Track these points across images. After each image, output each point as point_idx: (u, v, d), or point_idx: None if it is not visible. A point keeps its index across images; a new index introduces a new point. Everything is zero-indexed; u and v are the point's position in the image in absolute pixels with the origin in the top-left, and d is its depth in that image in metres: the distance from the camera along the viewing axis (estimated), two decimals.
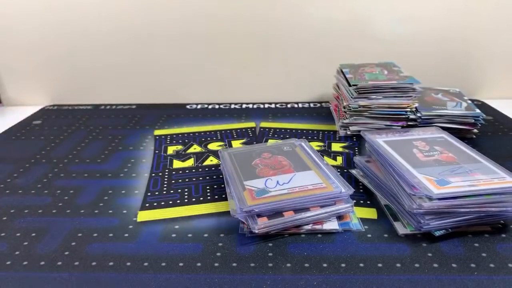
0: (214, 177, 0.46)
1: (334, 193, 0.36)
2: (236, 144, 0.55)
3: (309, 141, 0.54)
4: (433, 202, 0.32)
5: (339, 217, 0.37)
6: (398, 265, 0.31)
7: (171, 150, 0.53)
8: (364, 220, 0.37)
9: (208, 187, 0.43)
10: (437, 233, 0.34)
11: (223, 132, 0.59)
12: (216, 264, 0.32)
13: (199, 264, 0.32)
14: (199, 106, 0.71)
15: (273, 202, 0.35)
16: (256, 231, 0.34)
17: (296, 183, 0.37)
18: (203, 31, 0.70)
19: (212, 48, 0.71)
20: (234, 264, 0.32)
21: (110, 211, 0.39)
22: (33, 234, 0.36)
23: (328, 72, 0.66)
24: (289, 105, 0.71)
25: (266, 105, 0.71)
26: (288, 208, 0.35)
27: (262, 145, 0.49)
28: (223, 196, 0.42)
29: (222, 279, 0.30)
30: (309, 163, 0.41)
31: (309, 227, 0.35)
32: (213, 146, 0.54)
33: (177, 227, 0.37)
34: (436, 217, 0.33)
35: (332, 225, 0.36)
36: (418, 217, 0.33)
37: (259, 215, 0.35)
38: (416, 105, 0.54)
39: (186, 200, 0.41)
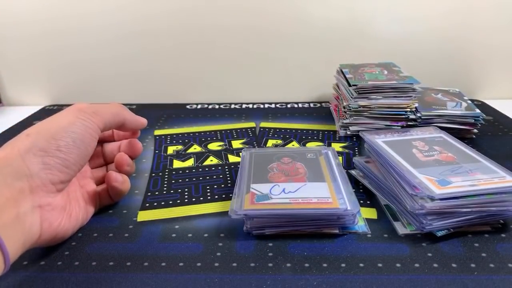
0: (214, 177, 0.46)
1: (337, 210, 0.34)
2: (236, 144, 0.55)
3: (309, 141, 0.55)
4: (435, 203, 0.32)
5: None
6: (398, 265, 0.31)
7: (171, 150, 0.53)
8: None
9: (208, 187, 0.43)
10: (439, 233, 0.34)
11: (223, 132, 0.59)
12: (216, 264, 0.32)
13: (199, 264, 0.32)
14: (199, 106, 0.71)
15: (270, 210, 0.34)
16: (247, 229, 0.35)
17: (302, 194, 0.35)
18: (203, 32, 0.70)
19: (212, 49, 0.71)
20: (234, 264, 0.32)
21: (110, 211, 0.39)
22: None
23: (328, 72, 0.66)
24: (289, 105, 0.71)
25: (266, 105, 0.71)
26: (284, 219, 0.35)
27: (286, 149, 0.49)
28: (223, 196, 0.42)
29: (222, 279, 0.30)
30: (326, 174, 0.39)
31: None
32: (213, 146, 0.54)
33: (177, 227, 0.37)
34: (438, 218, 0.33)
35: (331, 229, 0.35)
36: (420, 218, 0.33)
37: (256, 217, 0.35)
38: (416, 105, 0.54)
39: (186, 200, 0.41)
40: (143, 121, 0.40)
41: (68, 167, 0.31)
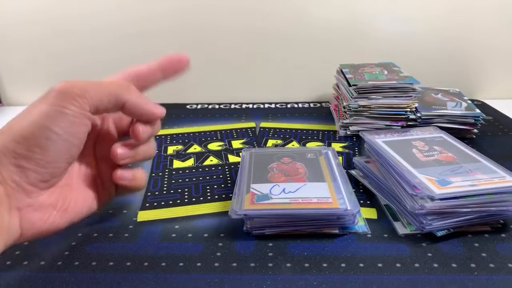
0: (214, 177, 0.46)
1: (337, 210, 0.34)
2: (236, 144, 0.55)
3: (309, 141, 0.55)
4: (435, 203, 0.32)
5: None
6: (398, 265, 0.31)
7: (171, 150, 0.53)
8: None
9: (208, 187, 0.43)
10: (439, 233, 0.34)
11: (223, 132, 0.59)
12: (216, 264, 0.32)
13: (199, 264, 0.32)
14: (199, 106, 0.71)
15: (270, 210, 0.34)
16: (247, 229, 0.35)
17: (302, 194, 0.35)
18: (203, 32, 0.70)
19: (212, 49, 0.71)
20: (234, 264, 0.32)
21: (110, 211, 0.39)
22: None
23: (328, 72, 0.66)
24: (289, 105, 0.71)
25: (266, 105, 0.71)
26: (284, 219, 0.34)
27: (286, 149, 0.49)
28: (223, 196, 0.42)
29: (222, 279, 0.30)
30: (326, 174, 0.39)
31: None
32: (213, 146, 0.54)
33: (177, 227, 0.37)
34: (438, 218, 0.33)
35: (331, 229, 0.35)
36: (420, 218, 0.33)
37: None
38: (416, 105, 0.54)
39: (186, 200, 0.41)
40: (152, 109, 0.33)
41: (45, 166, 0.27)
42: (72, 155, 0.29)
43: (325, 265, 0.31)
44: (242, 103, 0.72)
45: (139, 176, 0.34)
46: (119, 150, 0.32)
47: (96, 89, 0.29)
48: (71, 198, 0.31)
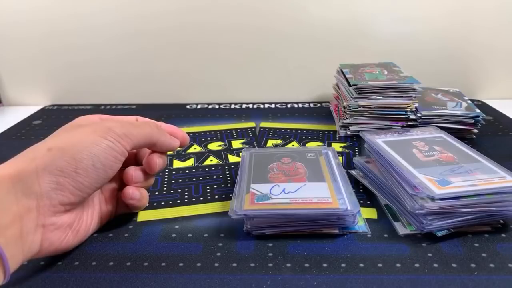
0: (214, 177, 0.46)
1: (337, 210, 0.34)
2: (236, 144, 0.55)
3: (309, 141, 0.55)
4: (435, 203, 0.32)
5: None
6: (398, 265, 0.31)
7: None
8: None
9: (208, 187, 0.43)
10: (439, 234, 0.34)
11: (223, 132, 0.59)
12: (216, 264, 0.32)
13: (199, 264, 0.32)
14: (199, 106, 0.71)
15: (270, 210, 0.34)
16: (247, 229, 0.35)
17: (302, 194, 0.35)
18: (203, 32, 0.70)
19: (212, 49, 0.71)
20: (234, 264, 0.32)
21: None
22: None
23: (328, 72, 0.66)
24: (289, 105, 0.71)
25: (266, 105, 0.71)
26: (284, 219, 0.34)
27: (286, 149, 0.49)
28: (223, 196, 0.42)
29: (222, 279, 0.30)
30: (326, 174, 0.39)
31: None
32: (213, 146, 0.54)
33: (177, 227, 0.37)
34: (438, 218, 0.33)
35: (331, 229, 0.35)
36: (420, 218, 0.33)
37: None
38: (416, 105, 0.54)
39: (186, 200, 0.41)
40: (175, 144, 0.37)
41: (81, 190, 0.30)
42: (101, 185, 0.32)
43: (325, 265, 0.31)
44: (242, 103, 0.72)
45: (145, 196, 0.37)
46: (134, 173, 0.36)
47: (136, 132, 0.33)
48: (83, 219, 0.32)
